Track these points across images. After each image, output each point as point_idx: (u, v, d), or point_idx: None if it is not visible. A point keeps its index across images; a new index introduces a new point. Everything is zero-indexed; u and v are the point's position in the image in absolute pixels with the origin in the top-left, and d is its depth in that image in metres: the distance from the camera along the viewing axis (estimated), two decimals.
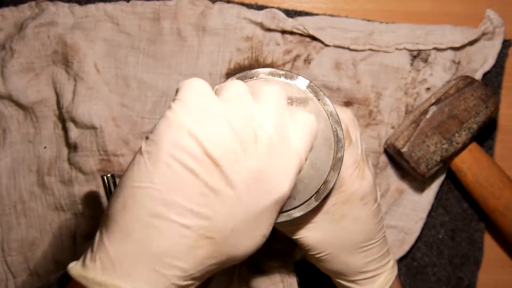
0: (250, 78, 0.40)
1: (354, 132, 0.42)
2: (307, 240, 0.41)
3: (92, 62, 0.53)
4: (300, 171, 0.33)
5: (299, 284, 0.54)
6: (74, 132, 0.53)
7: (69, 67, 0.53)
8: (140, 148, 0.30)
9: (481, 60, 0.56)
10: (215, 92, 0.33)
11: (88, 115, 0.52)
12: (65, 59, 0.53)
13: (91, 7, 0.55)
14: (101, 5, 0.55)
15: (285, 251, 0.54)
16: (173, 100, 0.31)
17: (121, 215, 0.29)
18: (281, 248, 0.54)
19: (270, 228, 0.32)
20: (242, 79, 0.39)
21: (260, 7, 0.57)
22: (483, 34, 0.55)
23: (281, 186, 0.32)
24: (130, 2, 0.55)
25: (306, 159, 0.37)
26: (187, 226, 0.29)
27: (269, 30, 0.55)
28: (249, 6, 0.56)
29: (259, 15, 0.55)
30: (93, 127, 0.52)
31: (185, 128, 0.29)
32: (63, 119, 0.54)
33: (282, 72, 0.40)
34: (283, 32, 0.55)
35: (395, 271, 0.45)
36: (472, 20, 0.57)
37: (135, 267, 0.29)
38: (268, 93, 0.33)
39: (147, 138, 0.31)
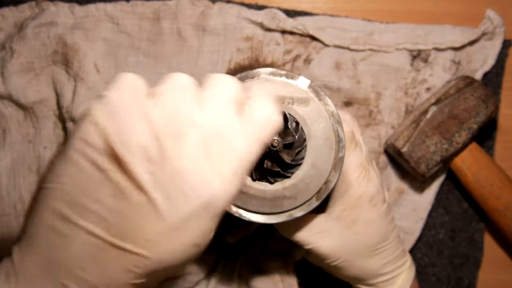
0: (251, 78, 0.40)
1: (357, 134, 0.42)
2: (322, 249, 0.41)
3: (92, 62, 0.53)
4: (244, 173, 0.28)
5: (299, 284, 0.54)
6: None
7: (69, 67, 0.53)
8: (57, 145, 0.28)
9: (481, 60, 0.56)
10: (154, 86, 0.29)
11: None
12: (65, 59, 0.53)
13: (91, 7, 0.55)
14: (101, 5, 0.55)
15: (285, 251, 0.54)
16: (100, 95, 0.27)
17: (29, 220, 0.27)
18: (281, 248, 0.54)
19: (206, 236, 0.28)
20: (243, 79, 0.39)
21: (260, 7, 0.56)
22: (483, 34, 0.55)
23: (211, 187, 0.27)
24: (130, 2, 0.55)
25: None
26: (93, 233, 0.25)
27: (269, 30, 0.55)
28: (249, 6, 0.56)
29: (259, 15, 0.55)
30: None
31: (99, 125, 0.26)
32: (63, 119, 0.54)
33: (283, 72, 0.40)
34: (283, 32, 0.55)
35: (413, 271, 0.45)
36: (472, 20, 0.57)
37: (39, 278, 0.26)
38: (214, 84, 0.29)
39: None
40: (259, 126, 0.28)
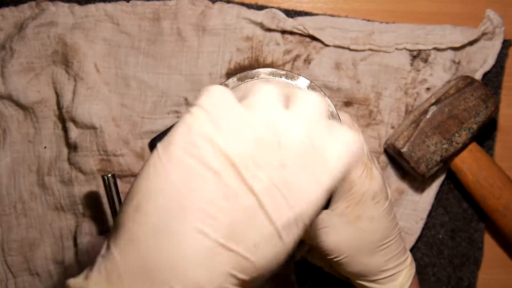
0: (251, 78, 0.40)
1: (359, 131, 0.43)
2: (325, 244, 0.42)
3: (92, 62, 0.53)
4: (333, 190, 0.29)
5: (299, 284, 0.54)
6: (74, 132, 0.53)
7: (69, 67, 0.53)
8: (156, 149, 0.28)
9: (481, 60, 0.56)
10: (243, 96, 0.30)
11: (88, 115, 0.52)
12: (65, 59, 0.53)
13: (91, 7, 0.55)
14: (101, 5, 0.55)
15: None
16: (192, 105, 0.28)
17: (133, 218, 0.26)
18: None
19: (295, 245, 0.28)
20: (242, 79, 0.39)
21: (260, 7, 0.56)
22: (483, 34, 0.55)
23: (309, 197, 0.27)
24: (130, 2, 0.55)
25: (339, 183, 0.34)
26: (206, 233, 0.25)
27: (269, 30, 0.55)
28: (249, 6, 0.56)
29: (259, 15, 0.55)
30: (93, 127, 0.52)
31: (204, 131, 0.27)
32: (63, 119, 0.54)
33: (283, 72, 0.40)
34: (283, 32, 0.55)
35: (413, 268, 0.46)
36: (472, 20, 0.57)
37: (145, 280, 0.25)
38: (304, 100, 0.30)
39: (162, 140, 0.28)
40: (348, 150, 0.29)
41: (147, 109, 0.54)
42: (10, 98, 0.54)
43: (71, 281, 0.26)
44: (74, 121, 0.53)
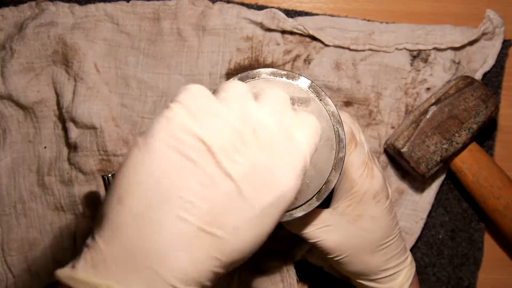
0: (252, 78, 0.40)
1: (357, 133, 0.43)
2: (326, 243, 0.42)
3: (92, 62, 0.53)
4: (305, 172, 0.31)
5: (299, 284, 0.54)
6: (74, 132, 0.53)
7: (69, 67, 0.53)
8: (137, 142, 0.29)
9: (481, 60, 0.56)
10: (214, 94, 0.32)
11: (88, 115, 0.52)
12: (65, 59, 0.53)
13: (91, 7, 0.55)
14: (101, 5, 0.55)
15: (285, 251, 0.54)
16: (171, 101, 0.30)
17: (116, 210, 0.27)
18: (281, 247, 0.54)
19: (273, 227, 0.30)
20: (243, 79, 0.39)
21: (260, 7, 0.57)
22: (483, 34, 0.55)
23: (286, 181, 0.29)
24: (130, 2, 0.55)
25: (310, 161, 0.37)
26: (186, 220, 0.27)
27: (269, 30, 0.55)
28: (249, 6, 0.56)
29: (259, 15, 0.55)
30: (93, 127, 0.52)
31: (183, 123, 0.28)
32: (63, 119, 0.54)
33: (284, 72, 0.40)
34: (283, 32, 0.55)
35: (413, 267, 0.46)
36: (472, 20, 0.57)
37: (130, 266, 0.26)
38: (269, 94, 0.32)
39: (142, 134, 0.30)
40: (313, 130, 0.32)
41: (147, 109, 0.54)
42: (10, 98, 0.54)
43: (59, 272, 0.27)
44: (74, 121, 0.53)
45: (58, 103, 0.54)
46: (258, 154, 0.29)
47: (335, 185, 0.39)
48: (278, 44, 0.55)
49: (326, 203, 0.42)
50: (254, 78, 0.40)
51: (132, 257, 0.27)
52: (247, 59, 0.55)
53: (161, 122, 0.28)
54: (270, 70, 0.40)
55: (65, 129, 0.54)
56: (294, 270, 0.54)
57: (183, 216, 0.27)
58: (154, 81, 0.54)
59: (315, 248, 0.52)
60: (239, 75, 0.40)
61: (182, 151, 0.28)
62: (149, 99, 0.54)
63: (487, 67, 0.56)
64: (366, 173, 0.42)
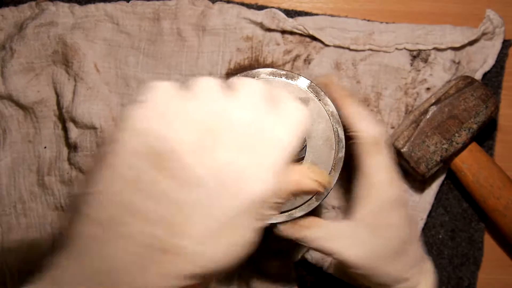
0: (252, 78, 0.40)
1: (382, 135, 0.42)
2: (346, 257, 0.39)
3: (92, 62, 0.53)
4: (287, 168, 0.28)
5: (299, 284, 0.54)
6: (74, 132, 0.53)
7: (69, 67, 0.53)
8: (99, 151, 0.27)
9: (481, 60, 0.56)
10: (184, 89, 0.28)
11: (88, 115, 0.52)
12: (65, 59, 0.53)
13: (91, 7, 0.55)
14: (101, 5, 0.55)
15: (285, 251, 0.54)
16: (136, 101, 0.27)
17: (71, 228, 0.25)
18: (281, 247, 0.54)
19: (255, 232, 0.27)
20: None
21: (260, 7, 0.57)
22: (483, 34, 0.55)
23: (261, 182, 0.26)
24: (130, 2, 0.55)
25: (301, 155, 0.37)
26: (150, 233, 0.24)
27: (269, 30, 0.55)
28: (249, 6, 0.56)
29: (259, 15, 0.55)
30: (93, 127, 0.52)
31: (144, 125, 0.26)
32: (63, 119, 0.54)
33: (283, 72, 0.40)
34: (283, 32, 0.55)
35: (433, 273, 0.44)
36: (472, 20, 0.57)
37: (90, 284, 0.25)
38: (244, 86, 0.29)
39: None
40: (296, 121, 0.28)
41: None
42: (10, 98, 0.54)
43: None
44: (74, 121, 0.53)
45: (58, 103, 0.54)
46: (229, 154, 0.26)
47: (333, 185, 0.39)
48: (278, 44, 0.55)
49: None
50: (254, 78, 0.40)
51: (91, 276, 0.24)
52: (247, 59, 0.55)
53: (119, 125, 0.26)
54: (269, 70, 0.40)
55: (65, 129, 0.54)
56: (294, 270, 0.54)
57: (146, 230, 0.25)
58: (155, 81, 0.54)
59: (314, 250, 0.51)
60: (238, 74, 0.40)
61: (145, 157, 0.25)
62: None
63: (487, 67, 0.56)
64: (389, 178, 0.40)
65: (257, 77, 0.40)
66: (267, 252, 0.54)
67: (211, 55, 0.55)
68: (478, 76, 0.55)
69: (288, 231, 0.40)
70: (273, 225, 0.42)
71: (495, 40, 0.56)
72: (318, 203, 0.39)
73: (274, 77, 0.40)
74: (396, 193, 0.40)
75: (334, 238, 0.40)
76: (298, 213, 0.40)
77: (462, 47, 0.55)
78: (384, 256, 0.40)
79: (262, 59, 0.55)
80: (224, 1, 0.56)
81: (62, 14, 0.55)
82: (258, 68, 0.41)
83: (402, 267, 0.41)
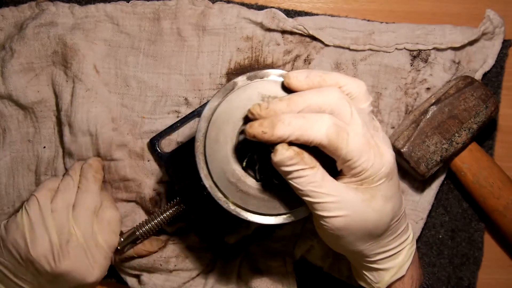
0: (261, 78, 0.41)
1: (353, 114, 0.37)
2: (335, 220, 0.37)
3: (91, 63, 0.53)
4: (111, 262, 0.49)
5: (299, 284, 0.54)
6: (68, 138, 0.53)
7: (68, 68, 0.53)
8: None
9: (481, 60, 0.56)
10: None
11: (86, 120, 0.52)
12: (64, 60, 0.53)
13: (91, 8, 0.55)
14: (101, 5, 0.55)
15: (285, 251, 0.54)
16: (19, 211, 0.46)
17: None
18: (280, 247, 0.54)
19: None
20: (252, 78, 0.41)
21: (260, 7, 0.57)
22: (483, 34, 0.55)
23: (89, 276, 0.46)
24: (130, 2, 0.55)
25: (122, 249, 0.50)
26: None
27: (269, 30, 0.55)
28: (249, 6, 0.56)
29: (259, 15, 0.55)
30: (89, 134, 0.52)
31: (12, 236, 0.44)
32: (60, 121, 0.54)
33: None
34: (283, 32, 0.55)
35: (414, 245, 0.44)
36: (472, 20, 0.57)
37: None
38: (81, 206, 0.47)
39: None
40: (112, 227, 0.50)
41: (147, 109, 0.54)
42: (10, 98, 0.54)
43: None
44: (70, 126, 0.52)
45: (57, 105, 0.54)
46: (68, 259, 0.44)
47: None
48: (278, 44, 0.55)
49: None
50: (263, 78, 0.41)
51: None
52: (247, 59, 0.55)
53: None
54: (279, 72, 0.41)
55: (60, 132, 0.54)
56: (293, 270, 0.54)
57: None
58: (154, 81, 0.54)
59: (313, 248, 0.51)
60: (248, 73, 0.41)
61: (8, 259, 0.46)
62: (149, 99, 0.54)
63: (487, 67, 0.56)
64: (373, 155, 0.37)
65: (267, 77, 0.41)
66: (267, 251, 0.54)
67: (211, 54, 0.55)
68: (478, 76, 0.55)
69: (286, 161, 0.36)
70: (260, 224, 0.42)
71: (495, 40, 0.56)
72: (307, 214, 0.40)
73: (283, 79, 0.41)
74: (388, 165, 0.38)
75: (327, 193, 0.37)
76: (296, 215, 0.40)
77: (462, 47, 0.55)
78: (370, 228, 0.39)
79: (262, 59, 0.55)
80: (224, 1, 0.56)
81: (62, 14, 0.55)
82: (258, 68, 0.41)
83: (384, 240, 0.41)
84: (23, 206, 0.47)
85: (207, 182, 0.40)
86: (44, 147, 0.55)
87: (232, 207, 0.40)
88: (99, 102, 0.53)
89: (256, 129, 0.36)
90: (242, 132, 0.40)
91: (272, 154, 0.36)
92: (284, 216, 0.40)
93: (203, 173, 0.40)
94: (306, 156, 0.36)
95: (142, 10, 0.55)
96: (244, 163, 0.40)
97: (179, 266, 0.53)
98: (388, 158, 0.38)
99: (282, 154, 0.35)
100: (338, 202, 0.37)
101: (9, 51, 0.53)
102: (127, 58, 0.54)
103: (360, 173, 0.37)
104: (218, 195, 0.40)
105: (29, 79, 0.54)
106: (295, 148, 0.36)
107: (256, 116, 0.37)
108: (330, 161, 0.37)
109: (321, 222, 0.38)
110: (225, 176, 0.40)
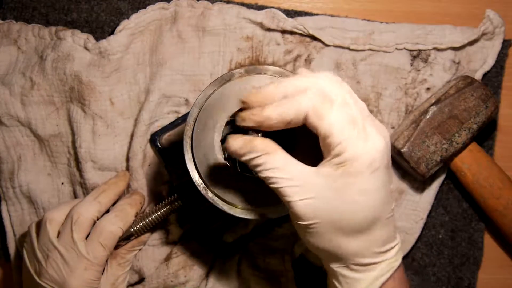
0: (258, 73, 0.41)
1: (341, 93, 0.35)
2: (299, 206, 0.35)
3: (108, 98, 0.53)
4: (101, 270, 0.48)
5: (297, 282, 0.54)
6: (92, 174, 0.53)
7: (86, 106, 0.53)
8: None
9: (481, 60, 0.56)
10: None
11: (113, 156, 0.53)
12: (81, 97, 0.53)
13: (103, 43, 0.54)
14: (112, 37, 0.54)
15: (284, 249, 0.54)
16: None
17: None
18: (280, 246, 0.55)
19: None
20: (250, 72, 0.42)
21: (260, 7, 0.57)
22: (483, 34, 0.55)
23: (71, 284, 0.46)
24: (131, 19, 0.55)
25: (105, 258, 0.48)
26: None
27: (269, 30, 0.55)
28: (249, 6, 0.56)
29: (259, 15, 0.55)
30: (115, 169, 0.53)
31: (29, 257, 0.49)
32: (78, 158, 0.53)
33: (289, 74, 0.41)
34: (283, 32, 0.55)
35: (398, 260, 0.38)
36: (472, 20, 0.57)
37: None
38: (67, 227, 0.47)
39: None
40: (103, 241, 0.49)
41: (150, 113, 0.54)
42: (29, 126, 0.54)
43: None
44: (94, 162, 0.53)
45: (74, 142, 0.54)
46: (56, 271, 0.46)
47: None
48: (278, 44, 0.55)
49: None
50: (260, 73, 0.41)
51: None
52: (247, 59, 0.55)
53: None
54: (278, 69, 0.41)
55: (80, 169, 0.54)
56: (292, 269, 0.54)
57: None
58: (156, 84, 0.54)
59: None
60: (246, 67, 0.42)
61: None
62: (152, 103, 0.54)
63: (487, 67, 0.56)
64: (356, 134, 0.34)
65: (265, 72, 0.41)
66: (265, 250, 0.54)
67: (212, 55, 0.55)
68: (478, 76, 0.55)
69: (239, 150, 0.35)
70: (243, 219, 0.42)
71: (495, 40, 0.56)
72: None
73: (280, 77, 0.41)
74: (372, 153, 0.34)
75: (290, 178, 0.34)
76: (275, 212, 0.40)
77: (462, 47, 0.55)
78: (342, 223, 0.35)
79: (262, 59, 0.55)
80: (224, 1, 0.56)
81: (79, 48, 0.54)
82: (266, 65, 0.42)
83: (360, 243, 0.36)
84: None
85: (190, 166, 0.40)
86: (62, 183, 0.55)
87: (210, 195, 0.41)
88: (120, 135, 0.54)
89: (246, 113, 0.35)
90: (230, 122, 0.41)
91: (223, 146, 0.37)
92: (261, 212, 0.40)
93: (187, 156, 0.41)
94: (259, 142, 0.35)
95: (144, 23, 0.54)
96: (226, 154, 0.41)
97: (190, 275, 0.53)
98: (373, 144, 0.34)
99: (232, 144, 0.35)
100: (301, 186, 0.34)
101: (29, 81, 0.53)
102: (135, 76, 0.54)
103: (338, 155, 0.34)
104: (198, 181, 0.40)
105: (50, 112, 0.54)
106: (246, 137, 0.35)
107: (247, 101, 0.36)
108: (317, 152, 0.36)
109: (290, 213, 0.36)
110: (208, 163, 0.40)
